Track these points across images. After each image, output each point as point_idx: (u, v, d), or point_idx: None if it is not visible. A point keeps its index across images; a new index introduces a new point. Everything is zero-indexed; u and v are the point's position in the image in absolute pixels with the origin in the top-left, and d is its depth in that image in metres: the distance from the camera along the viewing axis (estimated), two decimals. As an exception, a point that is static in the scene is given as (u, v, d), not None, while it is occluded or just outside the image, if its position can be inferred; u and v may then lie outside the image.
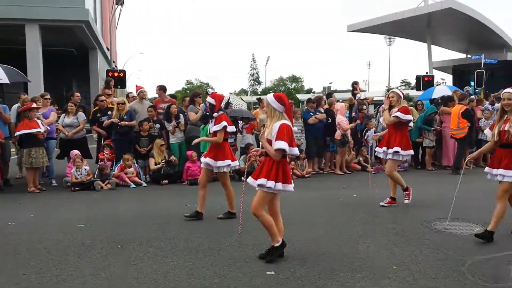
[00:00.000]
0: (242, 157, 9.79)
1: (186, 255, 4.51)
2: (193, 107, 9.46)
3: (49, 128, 8.63)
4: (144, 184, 8.89)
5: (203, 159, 6.02)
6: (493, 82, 27.33)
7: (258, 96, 27.07)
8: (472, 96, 12.58)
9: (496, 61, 30.25)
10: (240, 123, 10.62)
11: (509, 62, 33.92)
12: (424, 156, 11.11)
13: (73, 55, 25.21)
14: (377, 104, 18.88)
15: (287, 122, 4.24)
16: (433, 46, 37.21)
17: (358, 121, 10.85)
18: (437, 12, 30.49)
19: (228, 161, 5.88)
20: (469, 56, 36.42)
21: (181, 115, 9.55)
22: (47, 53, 19.87)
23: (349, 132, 10.41)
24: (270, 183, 4.14)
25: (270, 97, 4.32)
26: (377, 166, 10.77)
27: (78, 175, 8.39)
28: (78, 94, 10.17)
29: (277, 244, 4.33)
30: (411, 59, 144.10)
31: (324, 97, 13.30)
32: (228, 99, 12.76)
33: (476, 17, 30.39)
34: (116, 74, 17.09)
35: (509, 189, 4.85)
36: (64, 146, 9.22)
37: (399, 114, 6.58)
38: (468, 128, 10.24)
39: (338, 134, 10.20)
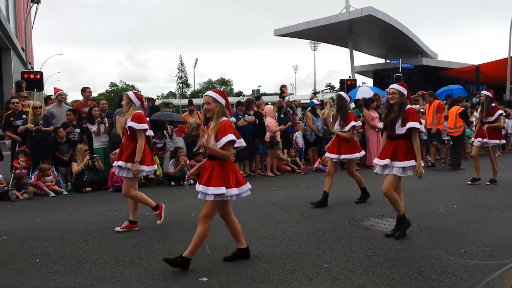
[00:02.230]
0: (172, 161, 9.54)
1: (112, 266, 4.24)
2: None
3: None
4: (65, 193, 8.37)
5: None
6: (410, 85, 29.11)
7: (187, 99, 26.72)
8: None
9: (412, 66, 32.38)
10: (169, 127, 10.38)
11: (424, 67, 36.50)
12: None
13: (-16, 55, 23.25)
14: (304, 107, 19.41)
15: None
16: (355, 52, 39.05)
17: (289, 123, 10.98)
18: (358, 19, 32.10)
19: None
20: (388, 61, 38.56)
21: (105, 118, 9.15)
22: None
23: (278, 134, 10.52)
24: None
25: None
26: (306, 167, 11.01)
27: (-11, 185, 7.69)
28: None
29: None
30: (335, 63, 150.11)
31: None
32: (154, 102, 12.46)
33: (394, 25, 32.34)
34: (32, 76, 15.90)
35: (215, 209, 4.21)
36: (-28, 153, 8.41)
37: (133, 124, 5.24)
38: (463, 127, 10.94)
39: (267, 136, 10.28)
